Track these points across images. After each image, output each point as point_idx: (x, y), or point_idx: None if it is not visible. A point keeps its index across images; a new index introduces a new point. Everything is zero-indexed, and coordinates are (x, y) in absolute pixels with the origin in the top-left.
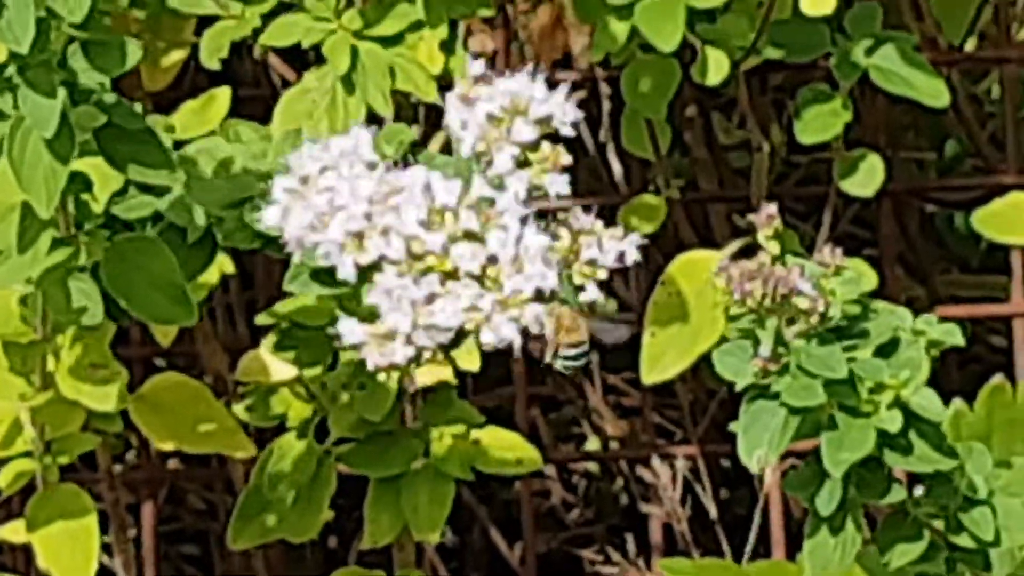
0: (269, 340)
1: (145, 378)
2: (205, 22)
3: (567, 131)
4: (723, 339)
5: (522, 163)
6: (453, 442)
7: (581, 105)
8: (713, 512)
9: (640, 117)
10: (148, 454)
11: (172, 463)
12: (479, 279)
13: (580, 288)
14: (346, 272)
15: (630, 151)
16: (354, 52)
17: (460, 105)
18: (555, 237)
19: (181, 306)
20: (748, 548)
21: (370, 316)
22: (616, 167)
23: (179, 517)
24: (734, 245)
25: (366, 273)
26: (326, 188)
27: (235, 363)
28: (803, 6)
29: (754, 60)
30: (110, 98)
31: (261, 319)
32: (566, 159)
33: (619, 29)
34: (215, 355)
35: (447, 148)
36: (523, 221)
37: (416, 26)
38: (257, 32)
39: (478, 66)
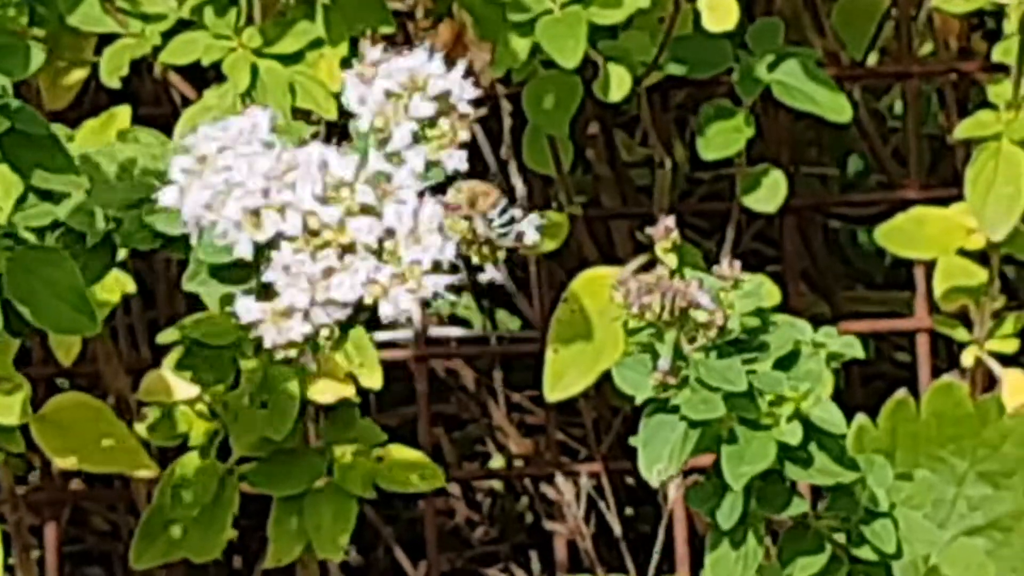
0: (171, 359)
1: (47, 398)
2: (105, 40)
3: (465, 108)
4: (626, 356)
5: (421, 140)
6: (356, 460)
7: (482, 122)
8: (618, 529)
9: (542, 134)
10: (51, 475)
11: (75, 484)
12: (377, 253)
13: (479, 268)
14: (243, 250)
15: (532, 168)
16: (254, 70)
17: (358, 82)
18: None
19: (84, 315)
20: (652, 565)
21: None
22: (518, 184)
23: (83, 538)
24: (637, 261)
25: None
26: (223, 167)
27: (137, 383)
28: (705, 22)
29: (656, 76)
30: (13, 103)
31: (163, 337)
32: (464, 135)
33: (520, 45)
34: (117, 375)
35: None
36: (420, 195)
37: (316, 44)
38: (157, 50)
39: (376, 52)
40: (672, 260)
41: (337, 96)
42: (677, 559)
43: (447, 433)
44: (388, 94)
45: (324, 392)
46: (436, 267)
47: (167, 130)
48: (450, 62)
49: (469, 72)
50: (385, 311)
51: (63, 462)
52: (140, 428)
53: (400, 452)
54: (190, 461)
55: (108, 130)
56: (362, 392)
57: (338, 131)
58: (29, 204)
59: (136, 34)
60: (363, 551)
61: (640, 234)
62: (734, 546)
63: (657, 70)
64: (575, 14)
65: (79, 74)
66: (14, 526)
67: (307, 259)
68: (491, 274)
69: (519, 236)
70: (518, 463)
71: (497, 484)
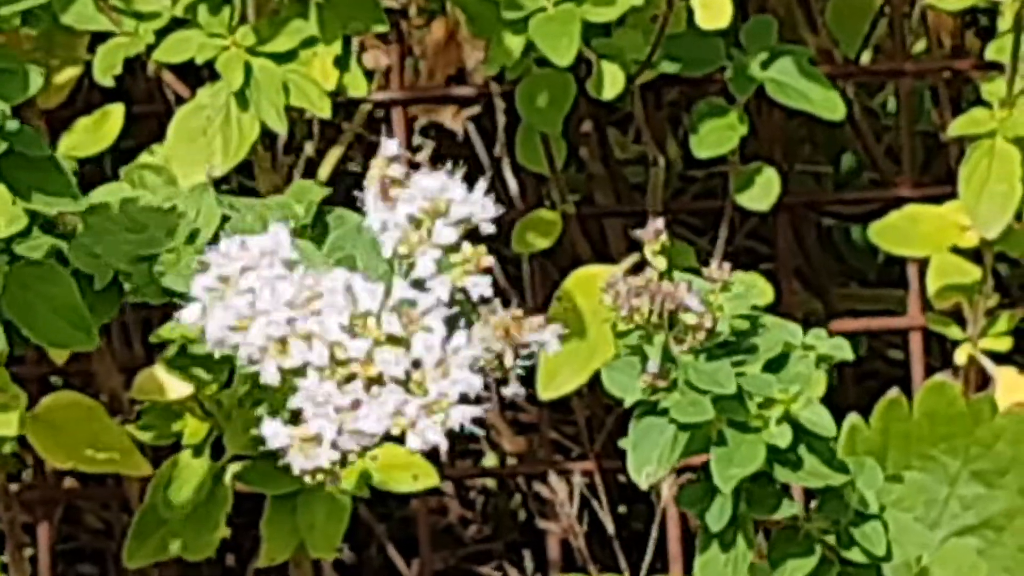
0: (164, 358)
1: (40, 397)
2: (98, 39)
3: (488, 229)
4: (616, 358)
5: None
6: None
7: (476, 120)
8: (611, 528)
9: (536, 132)
10: (43, 473)
11: (68, 482)
12: (403, 383)
13: (502, 382)
14: (269, 376)
15: (525, 166)
16: (248, 68)
17: (380, 204)
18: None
19: (81, 331)
20: (645, 563)
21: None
22: (511, 182)
23: (76, 537)
24: (630, 260)
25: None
26: (247, 289)
27: (131, 381)
28: (698, 20)
29: (649, 74)
30: (12, 125)
31: (156, 336)
32: (487, 260)
33: (514, 43)
34: (110, 374)
35: (342, 164)
36: (447, 322)
37: (310, 42)
38: (151, 48)
39: (392, 146)
40: (661, 262)
41: (331, 95)
42: (670, 557)
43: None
44: (410, 219)
45: None
46: (464, 398)
47: (161, 128)
48: (470, 181)
49: (489, 189)
50: (413, 444)
51: (56, 461)
52: (133, 427)
53: (394, 451)
54: (183, 460)
55: (101, 128)
56: None
57: (333, 130)
58: (33, 236)
59: (130, 32)
60: (356, 549)
61: (633, 232)
62: (724, 548)
63: (650, 68)
64: (568, 12)
65: (72, 72)
66: (7, 524)
67: (334, 389)
68: (514, 389)
69: (541, 346)
70: (511, 461)
71: (490, 482)
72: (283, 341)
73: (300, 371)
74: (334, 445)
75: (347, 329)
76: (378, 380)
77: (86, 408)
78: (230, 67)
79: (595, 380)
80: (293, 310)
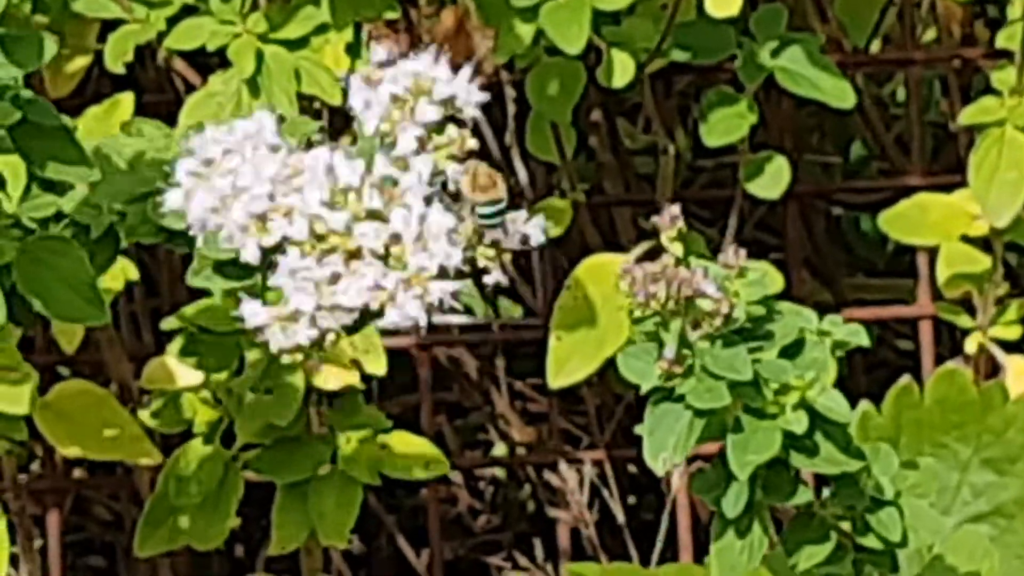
0: (174, 346)
1: (50, 386)
2: (109, 27)
3: (471, 112)
4: (630, 343)
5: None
6: (360, 447)
7: (485, 109)
8: (621, 517)
9: (545, 121)
10: (53, 463)
11: (77, 472)
12: (383, 258)
13: (484, 271)
14: (250, 254)
15: (535, 155)
16: (259, 55)
17: (363, 86)
18: (459, 220)
19: (93, 306)
20: (656, 552)
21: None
22: (521, 171)
23: (85, 527)
24: (640, 248)
25: (269, 265)
26: (229, 170)
27: (140, 370)
28: (708, 8)
29: (659, 63)
30: (25, 94)
31: (166, 324)
32: (471, 143)
33: (524, 31)
34: (120, 362)
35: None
36: (427, 201)
37: (321, 29)
38: (162, 36)
39: (382, 52)
40: (678, 248)
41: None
42: (680, 546)
43: (449, 421)
44: (394, 98)
45: (328, 379)
46: (443, 272)
47: (171, 117)
48: (455, 65)
49: (475, 73)
50: (392, 317)
51: (66, 450)
52: (144, 415)
53: (404, 439)
54: (194, 448)
55: (111, 117)
56: (365, 379)
57: (342, 119)
58: (33, 195)
59: (141, 20)
60: (365, 539)
61: (643, 221)
62: (739, 535)
63: (660, 56)
64: (579, 0)
65: (82, 61)
66: (16, 515)
67: (313, 264)
68: (496, 276)
69: (524, 238)
70: (521, 451)
71: (500, 472)
72: (263, 219)
73: (280, 248)
74: (313, 321)
75: (327, 204)
76: (357, 254)
77: (96, 396)
78: (242, 54)
79: (605, 369)
80: (274, 187)
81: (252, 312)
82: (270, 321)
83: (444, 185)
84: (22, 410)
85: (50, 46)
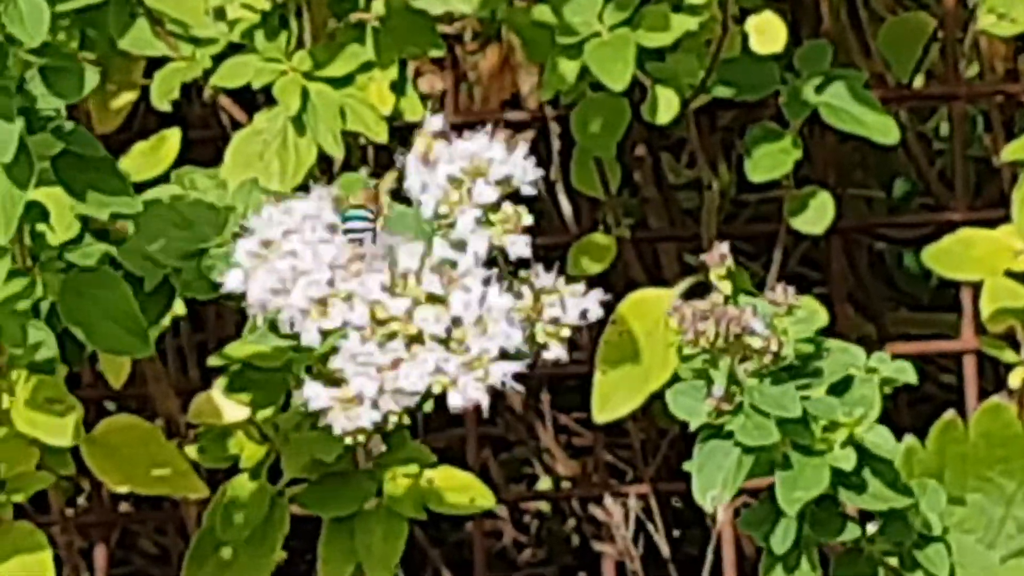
0: (221, 381)
1: (97, 420)
2: (155, 63)
3: (528, 190)
4: (674, 378)
5: (483, 222)
6: (406, 482)
7: (530, 145)
8: (666, 551)
9: (590, 156)
10: (100, 497)
11: (124, 506)
12: (444, 341)
13: (544, 346)
14: (310, 338)
15: (580, 190)
16: (304, 93)
17: (420, 168)
18: (518, 296)
19: (137, 338)
20: None
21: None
22: (566, 206)
23: (131, 561)
24: (684, 284)
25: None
26: (289, 252)
27: (187, 405)
28: (753, 44)
29: (703, 98)
30: (67, 125)
31: (213, 361)
32: (527, 220)
33: (569, 68)
34: (167, 397)
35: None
36: (486, 282)
37: (366, 67)
38: (208, 73)
39: (436, 121)
40: (726, 286)
41: (387, 119)
42: None
43: (494, 455)
44: (451, 179)
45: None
46: (503, 354)
47: (217, 153)
48: (510, 144)
49: (530, 151)
50: (454, 401)
51: (114, 484)
52: (190, 450)
53: (449, 474)
54: (241, 483)
55: (158, 153)
56: (411, 414)
57: (387, 155)
58: (85, 243)
59: (187, 57)
60: (411, 573)
61: (687, 256)
62: (788, 571)
63: (705, 92)
64: (623, 37)
65: (128, 97)
66: (64, 548)
67: (374, 348)
68: (556, 352)
69: (583, 313)
70: (566, 485)
71: (544, 506)
72: (324, 302)
73: (341, 332)
74: (375, 405)
75: (388, 289)
76: (418, 339)
77: (143, 431)
78: (287, 92)
79: (650, 403)
80: (334, 271)
81: (314, 394)
82: (332, 404)
83: (506, 258)
84: (66, 442)
85: (92, 77)
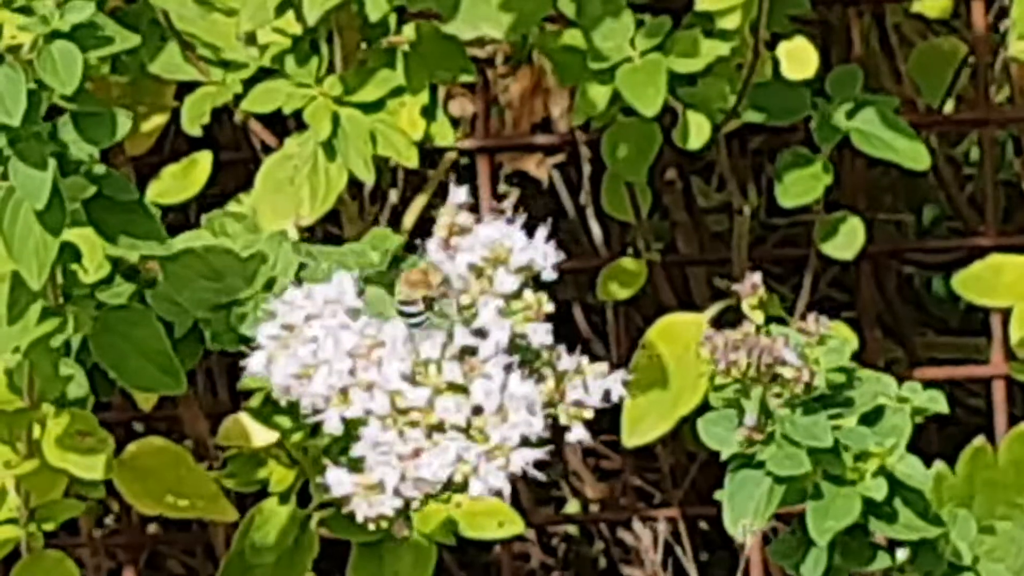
0: (251, 405)
1: (126, 442)
2: (185, 86)
3: (549, 275)
4: (704, 403)
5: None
6: (435, 506)
7: (561, 169)
8: (694, 574)
9: (620, 180)
10: (128, 518)
11: (152, 528)
12: (465, 430)
13: (567, 429)
14: (332, 426)
15: (610, 214)
16: (335, 118)
17: (441, 254)
18: (540, 379)
19: (170, 375)
20: None
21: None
22: (596, 230)
23: None
24: (714, 309)
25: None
26: (311, 338)
27: (216, 428)
28: (784, 69)
29: (734, 123)
30: (99, 169)
31: (243, 384)
32: (549, 307)
33: (600, 93)
34: (196, 420)
35: (426, 212)
36: (507, 368)
37: (397, 92)
38: (239, 98)
39: (460, 194)
40: (758, 316)
41: (418, 144)
42: None
43: (522, 477)
44: (471, 268)
45: None
46: (524, 441)
47: (247, 176)
48: (530, 229)
49: (550, 235)
50: (476, 489)
51: (143, 507)
52: (219, 473)
53: (478, 498)
54: (270, 507)
55: (189, 176)
56: None
57: (418, 179)
58: (116, 284)
59: (217, 82)
60: None
61: (717, 281)
62: None
63: (736, 117)
64: (655, 62)
65: (159, 120)
66: (93, 570)
67: (395, 437)
68: (579, 434)
69: (607, 394)
70: (594, 508)
71: (572, 529)
72: (345, 391)
73: (362, 420)
74: (397, 492)
75: (408, 377)
76: (439, 427)
77: (173, 454)
78: (318, 117)
79: (679, 427)
80: (355, 359)
81: (337, 481)
82: (355, 490)
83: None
84: (98, 476)
85: (123, 122)
